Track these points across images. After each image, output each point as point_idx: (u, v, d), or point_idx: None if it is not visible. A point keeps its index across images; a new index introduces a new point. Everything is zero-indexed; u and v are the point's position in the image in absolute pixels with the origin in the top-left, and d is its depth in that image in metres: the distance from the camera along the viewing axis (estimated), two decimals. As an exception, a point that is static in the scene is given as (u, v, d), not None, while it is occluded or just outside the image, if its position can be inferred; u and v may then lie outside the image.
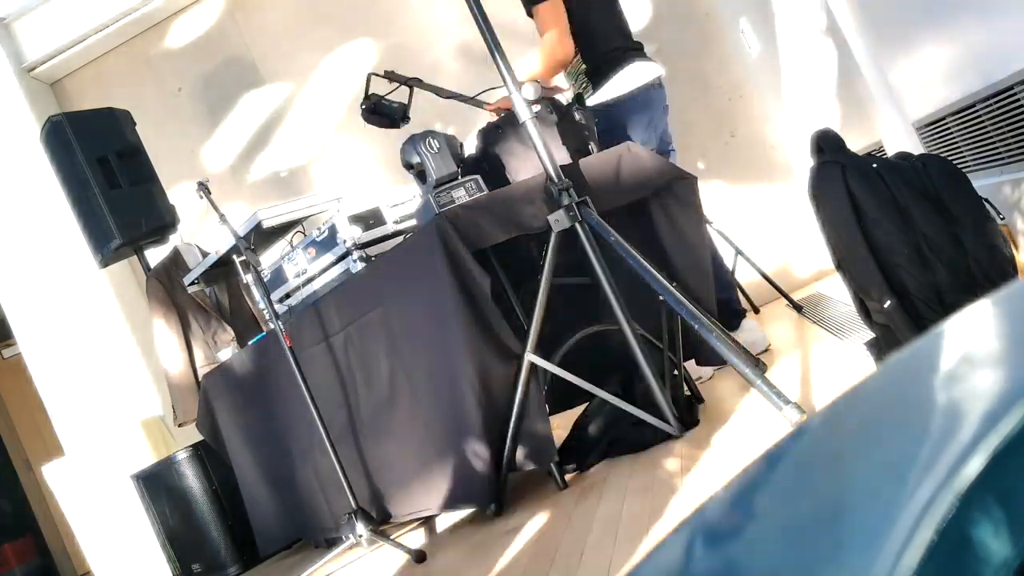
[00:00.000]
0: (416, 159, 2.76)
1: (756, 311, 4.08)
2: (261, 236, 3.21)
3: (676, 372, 2.63)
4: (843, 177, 2.10)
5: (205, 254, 3.87)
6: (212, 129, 5.23)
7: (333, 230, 2.96)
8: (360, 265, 2.90)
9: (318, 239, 3.05)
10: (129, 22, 5.15)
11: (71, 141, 3.77)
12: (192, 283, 3.33)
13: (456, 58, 4.92)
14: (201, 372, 3.68)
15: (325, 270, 3.05)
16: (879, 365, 2.06)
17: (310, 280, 3.11)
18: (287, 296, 3.23)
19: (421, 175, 2.77)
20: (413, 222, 3.03)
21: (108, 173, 3.80)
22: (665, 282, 2.46)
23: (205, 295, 3.79)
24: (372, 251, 2.97)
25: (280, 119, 5.16)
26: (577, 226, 2.52)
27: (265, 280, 3.32)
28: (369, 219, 3.06)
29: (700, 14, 4.74)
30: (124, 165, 3.87)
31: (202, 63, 5.24)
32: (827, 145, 2.18)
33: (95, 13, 5.10)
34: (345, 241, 2.93)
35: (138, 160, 3.97)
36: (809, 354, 2.88)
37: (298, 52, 5.11)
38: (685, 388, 2.77)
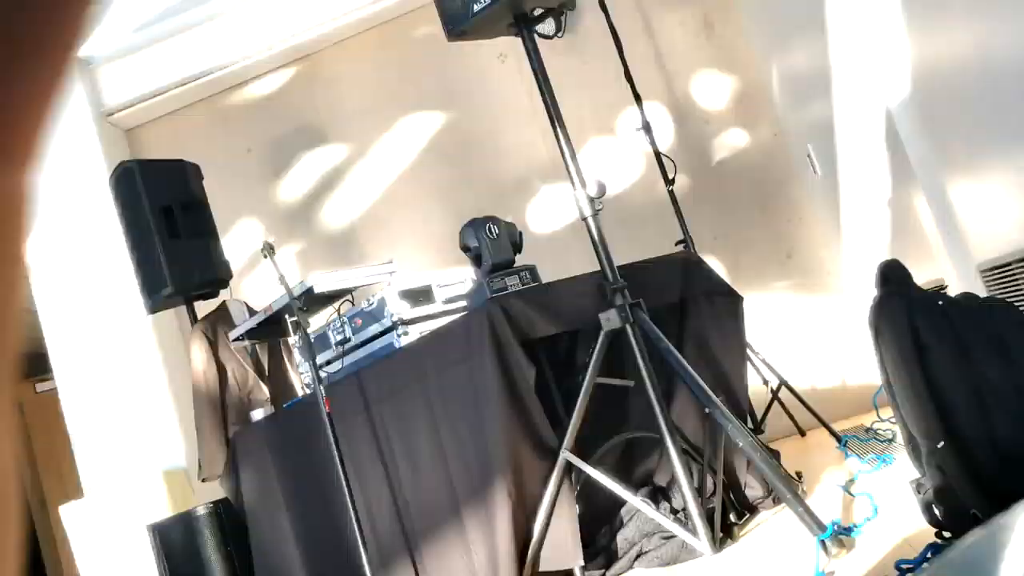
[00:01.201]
0: (474, 243, 2.78)
1: (802, 434, 3.99)
2: (311, 300, 3.23)
3: (714, 487, 2.56)
4: (907, 310, 2.06)
5: (252, 312, 3.89)
6: (275, 190, 5.34)
7: (382, 303, 2.98)
8: (404, 340, 2.90)
9: (366, 309, 3.06)
10: (209, 81, 5.31)
11: (139, 187, 3.85)
12: (237, 339, 3.35)
13: (520, 146, 5.00)
14: (232, 430, 3.66)
15: (369, 341, 3.06)
16: (925, 509, 1.99)
17: (353, 349, 3.11)
18: (328, 363, 3.24)
19: (477, 259, 2.78)
20: (462, 303, 3.04)
21: (170, 222, 3.86)
22: (712, 395, 2.42)
23: (246, 352, 3.79)
24: (418, 327, 2.98)
25: (341, 186, 5.25)
26: (628, 328, 2.51)
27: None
28: (419, 296, 3.08)
29: (768, 133, 4.78)
30: (187, 216, 3.93)
31: (273, 126, 5.38)
32: (893, 277, 2.15)
33: (177, 69, 5.28)
34: (392, 315, 2.94)
35: (201, 213, 4.03)
36: (851, 485, 2.80)
37: (366, 124, 5.22)
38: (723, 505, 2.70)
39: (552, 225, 4.88)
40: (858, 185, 3.83)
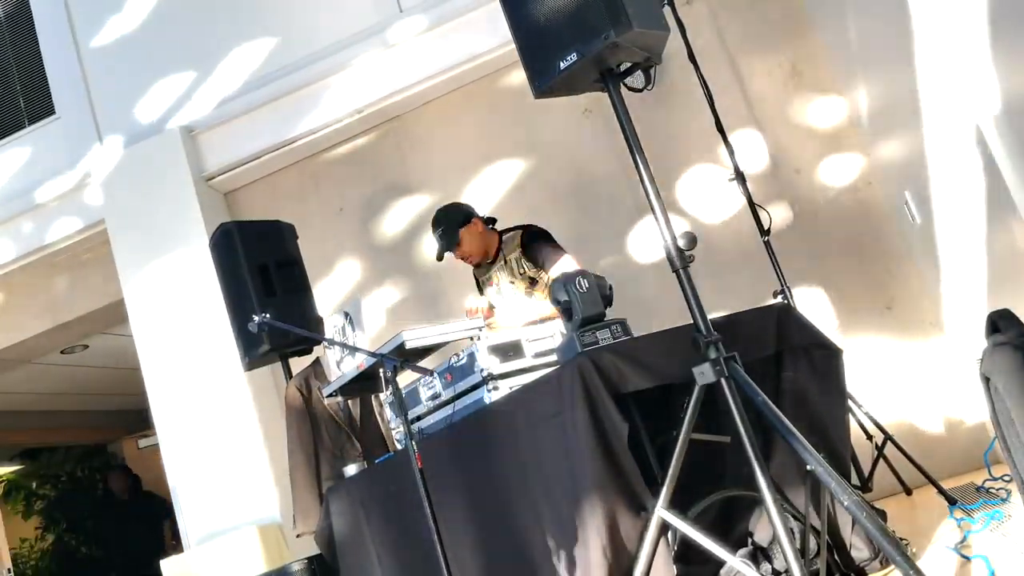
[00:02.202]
0: (564, 296, 2.76)
1: (908, 492, 3.82)
2: (402, 356, 3.23)
3: (818, 548, 2.46)
4: (1021, 360, 1.97)
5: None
6: (365, 247, 5.45)
7: (472, 358, 2.98)
8: (494, 395, 2.89)
9: (456, 364, 3.07)
10: (302, 144, 5.50)
11: (237, 247, 3.97)
12: (331, 394, 3.40)
13: (607, 198, 5.00)
14: (325, 485, 3.69)
15: (459, 396, 3.06)
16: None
17: (443, 404, 3.11)
18: (419, 418, 3.25)
19: (568, 313, 2.76)
20: (552, 358, 3.02)
21: (266, 281, 3.97)
22: (814, 451, 2.33)
23: (339, 407, 3.84)
24: (508, 383, 2.96)
25: (430, 242, 5.32)
26: (723, 381, 2.44)
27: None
28: (508, 350, 3.06)
29: (862, 181, 4.68)
30: (282, 275, 4.04)
31: (364, 185, 5.51)
32: (1005, 326, 2.06)
33: (273, 134, 5.48)
34: (483, 370, 2.93)
35: (295, 271, 4.14)
36: (963, 547, 2.66)
37: (454, 180, 5.30)
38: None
39: (641, 276, 4.84)
40: (958, 230, 3.69)
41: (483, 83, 5.34)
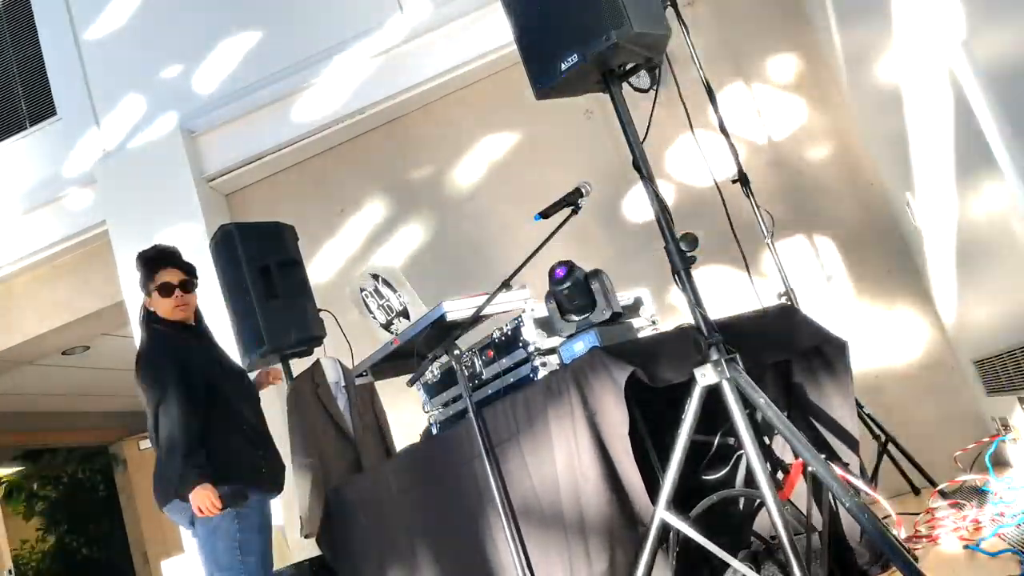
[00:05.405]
0: (588, 294, 2.68)
1: (916, 492, 3.81)
2: (440, 331, 2.89)
3: (821, 551, 2.45)
4: None
5: (345, 368, 3.93)
6: (366, 249, 5.44)
7: (517, 332, 2.75)
8: (541, 373, 2.66)
9: (498, 340, 2.81)
10: (303, 146, 5.50)
11: (238, 249, 3.96)
12: (360, 374, 3.31)
13: (609, 197, 4.98)
14: (328, 486, 3.67)
15: (500, 375, 2.82)
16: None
17: (482, 385, 2.88)
18: (455, 400, 2.98)
19: (583, 309, 2.70)
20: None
21: (267, 282, 3.96)
22: (815, 452, 2.32)
23: (340, 411, 3.83)
24: (555, 359, 2.70)
25: (431, 243, 5.33)
26: (724, 383, 2.43)
27: (433, 382, 3.08)
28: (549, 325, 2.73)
29: (864, 183, 4.67)
30: (283, 276, 4.02)
31: (364, 187, 5.51)
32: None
33: (274, 135, 5.48)
34: (528, 345, 2.70)
35: (296, 273, 4.12)
36: (966, 551, 2.65)
37: (453, 181, 5.31)
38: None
39: (643, 277, 4.82)
40: (963, 234, 3.69)
41: (484, 84, 5.34)
